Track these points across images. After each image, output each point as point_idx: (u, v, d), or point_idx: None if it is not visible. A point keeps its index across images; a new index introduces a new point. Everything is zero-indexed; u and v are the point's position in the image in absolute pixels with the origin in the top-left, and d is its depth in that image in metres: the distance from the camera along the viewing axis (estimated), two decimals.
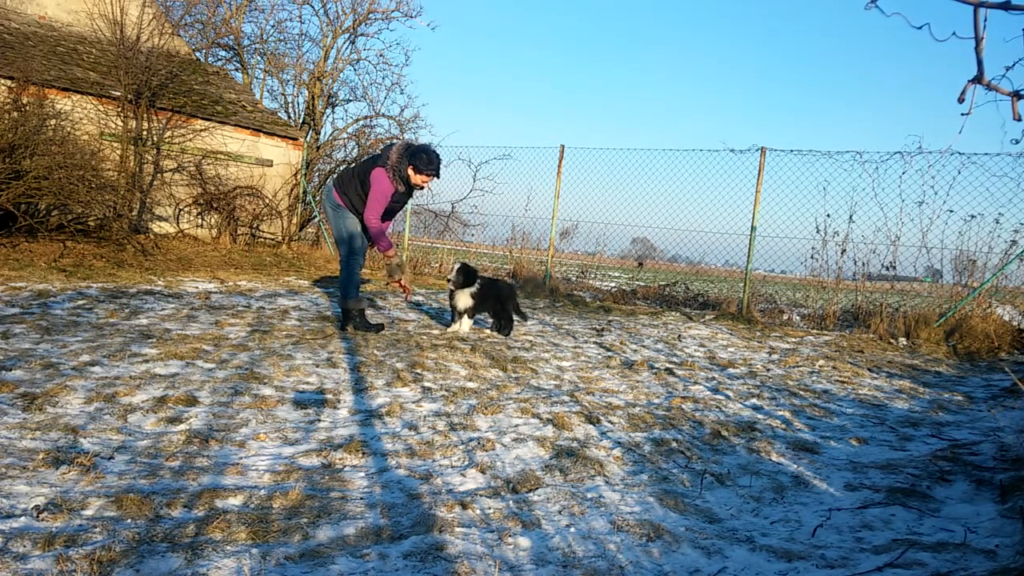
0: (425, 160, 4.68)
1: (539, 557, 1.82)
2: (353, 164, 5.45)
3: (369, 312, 5.97)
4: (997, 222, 6.70)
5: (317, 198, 12.64)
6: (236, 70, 15.24)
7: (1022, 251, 6.51)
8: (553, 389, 3.77)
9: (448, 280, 5.20)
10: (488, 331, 5.62)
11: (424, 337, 5.05)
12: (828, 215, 8.13)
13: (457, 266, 5.16)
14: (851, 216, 7.59)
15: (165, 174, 9.66)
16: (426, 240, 13.35)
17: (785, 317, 7.96)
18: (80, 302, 5.04)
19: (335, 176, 4.95)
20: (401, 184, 4.73)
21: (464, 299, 5.26)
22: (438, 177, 4.85)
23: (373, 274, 9.43)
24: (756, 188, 7.82)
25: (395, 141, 4.88)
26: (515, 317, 5.59)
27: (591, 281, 11.28)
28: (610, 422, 3.17)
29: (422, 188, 4.93)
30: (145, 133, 9.33)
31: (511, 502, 2.18)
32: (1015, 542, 1.89)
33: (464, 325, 5.35)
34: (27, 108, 7.29)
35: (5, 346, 3.54)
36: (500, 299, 5.44)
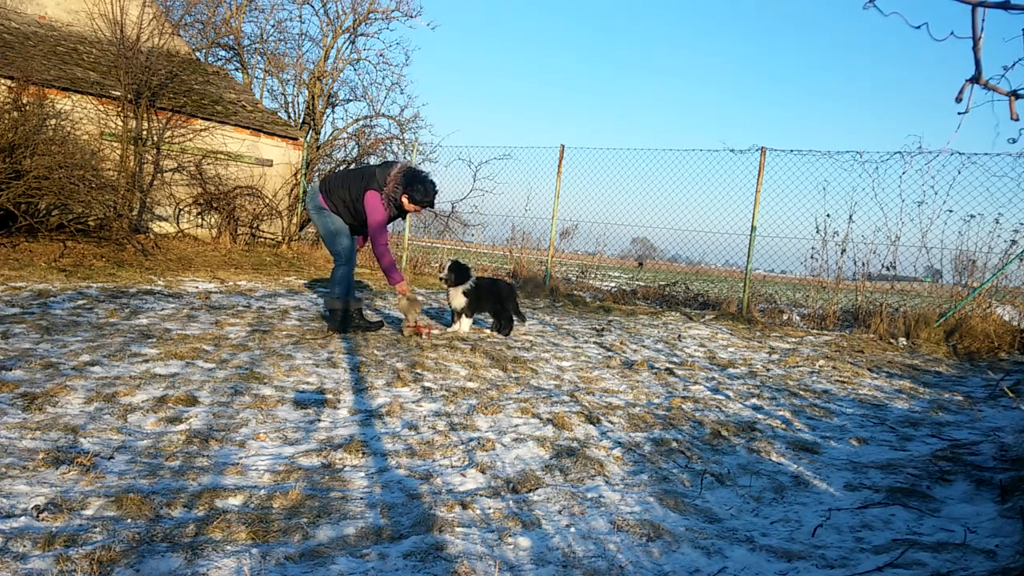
0: (421, 192, 4.66)
1: (539, 557, 1.82)
2: (341, 168, 5.45)
3: (368, 313, 5.98)
4: (997, 222, 6.71)
5: None
6: (236, 70, 15.24)
7: (1022, 251, 6.51)
8: (553, 389, 3.77)
9: (440, 279, 5.19)
10: (488, 331, 5.62)
11: (424, 337, 5.05)
12: (828, 215, 8.13)
13: (448, 263, 5.15)
14: (851, 216, 7.60)
15: (165, 174, 9.66)
16: (426, 240, 13.35)
17: (785, 317, 7.96)
18: (80, 302, 5.04)
19: (321, 179, 4.90)
20: (393, 209, 4.72)
21: (458, 297, 5.24)
22: (432, 208, 4.87)
23: (373, 274, 9.43)
24: (756, 188, 7.82)
25: (395, 161, 4.82)
26: (513, 318, 5.58)
27: (591, 281, 11.27)
28: (610, 422, 3.17)
29: (416, 213, 4.96)
30: (145, 133, 9.33)
31: (511, 502, 2.18)
32: (1015, 542, 1.89)
33: (464, 325, 5.35)
34: (27, 108, 7.29)
35: (5, 346, 3.54)
36: (500, 299, 5.44)
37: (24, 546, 1.66)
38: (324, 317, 5.20)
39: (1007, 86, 1.14)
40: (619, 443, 2.87)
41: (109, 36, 9.29)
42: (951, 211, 6.87)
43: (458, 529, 1.94)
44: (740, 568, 1.81)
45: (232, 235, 10.10)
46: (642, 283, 11.19)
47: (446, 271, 5.13)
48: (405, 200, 4.69)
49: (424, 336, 4.97)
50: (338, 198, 4.74)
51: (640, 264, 18.44)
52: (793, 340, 6.47)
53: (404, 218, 4.93)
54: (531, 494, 2.26)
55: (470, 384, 3.74)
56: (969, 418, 3.69)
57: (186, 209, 9.94)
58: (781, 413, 3.55)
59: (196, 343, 4.03)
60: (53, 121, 7.69)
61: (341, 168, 13.05)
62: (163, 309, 5.16)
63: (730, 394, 3.96)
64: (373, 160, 13.10)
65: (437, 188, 4.80)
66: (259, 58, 15.49)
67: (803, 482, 2.54)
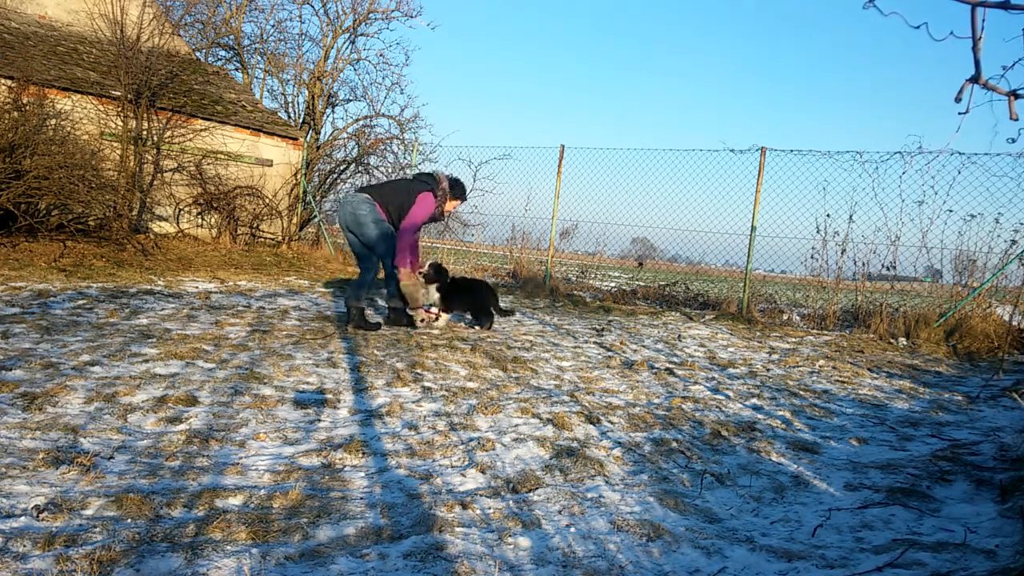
0: (459, 189, 5.41)
1: (539, 557, 1.82)
2: (390, 181, 5.94)
3: (368, 312, 5.98)
4: (997, 222, 6.70)
5: (317, 198, 12.65)
6: (236, 70, 15.24)
7: (1022, 251, 6.51)
8: (553, 389, 3.78)
9: (420, 274, 5.43)
10: (488, 331, 5.63)
11: (424, 337, 5.06)
12: (828, 215, 8.11)
13: (429, 261, 5.52)
14: (851, 216, 7.59)
15: (165, 174, 9.66)
16: (426, 240, 13.35)
17: (785, 317, 7.96)
18: (80, 302, 5.04)
19: (370, 191, 5.24)
20: (439, 209, 5.28)
21: (432, 293, 5.57)
22: (465, 201, 5.63)
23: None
24: (756, 188, 7.82)
25: (433, 172, 5.38)
26: (493, 313, 5.80)
27: (591, 281, 11.27)
28: (610, 422, 3.17)
29: (448, 214, 5.62)
30: (145, 133, 9.33)
31: (511, 502, 2.18)
32: (1015, 542, 1.89)
33: (440, 319, 5.60)
34: (27, 108, 7.29)
35: (5, 346, 3.54)
36: (473, 296, 5.75)
37: (24, 546, 1.66)
38: (387, 320, 5.48)
39: (1007, 86, 1.13)
40: (619, 443, 2.87)
41: (109, 36, 9.29)
42: (951, 211, 6.87)
43: (458, 529, 1.94)
44: (740, 568, 1.81)
45: (232, 235, 10.10)
46: (642, 283, 11.19)
47: (426, 267, 5.45)
48: (448, 200, 5.31)
49: (426, 320, 5.40)
50: (393, 205, 5.17)
51: (640, 264, 18.44)
52: (793, 340, 6.47)
53: (438, 220, 5.57)
54: (531, 494, 2.26)
55: (470, 384, 3.74)
56: (969, 418, 3.69)
57: (186, 209, 9.94)
58: (781, 413, 3.55)
59: (196, 343, 4.03)
60: (53, 121, 7.69)
61: (342, 168, 13.08)
62: (163, 309, 5.16)
63: (730, 394, 3.96)
64: (373, 160, 13.19)
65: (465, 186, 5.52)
66: (259, 58, 15.50)
67: (803, 482, 2.54)
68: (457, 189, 5.40)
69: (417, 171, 5.51)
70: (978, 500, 2.31)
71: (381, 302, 6.93)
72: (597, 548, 1.89)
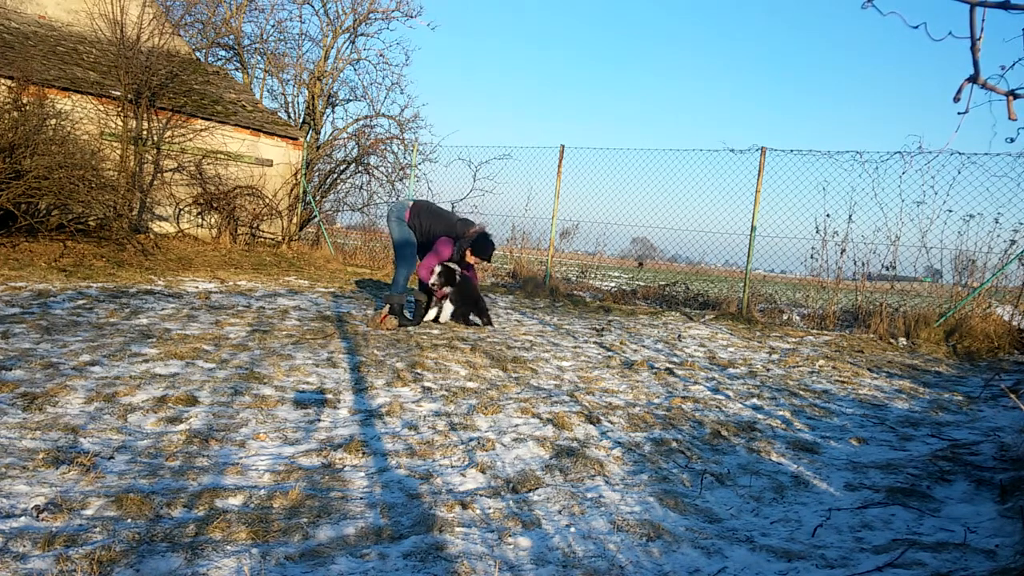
0: (482, 252, 5.69)
1: (539, 557, 1.82)
2: (432, 201, 6.30)
3: (365, 311, 5.97)
4: (997, 222, 6.70)
5: (317, 198, 12.66)
6: (236, 70, 15.23)
7: (1022, 251, 6.51)
8: (553, 389, 3.78)
9: (433, 285, 5.61)
10: (488, 331, 5.63)
11: (424, 337, 5.06)
12: (828, 215, 8.11)
13: (437, 270, 5.59)
14: (851, 216, 7.59)
15: (165, 174, 9.65)
16: None
17: (785, 317, 7.96)
18: (80, 302, 5.04)
19: (414, 202, 5.80)
20: (457, 255, 5.67)
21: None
22: (489, 262, 6.12)
23: (372, 273, 9.42)
24: (756, 188, 7.82)
25: (474, 222, 5.75)
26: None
27: (591, 281, 11.27)
28: (610, 422, 3.17)
29: (473, 263, 5.91)
30: (145, 133, 9.33)
31: (511, 502, 2.18)
32: (1015, 542, 1.89)
33: (445, 312, 5.81)
34: (27, 108, 7.29)
35: (5, 346, 3.54)
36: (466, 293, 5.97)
37: (24, 546, 1.66)
38: (392, 312, 5.59)
39: (1005, 86, 1.14)
40: (619, 443, 2.87)
41: (109, 36, 9.29)
42: (951, 211, 6.86)
43: (458, 529, 1.94)
44: (740, 568, 1.81)
45: (232, 235, 10.09)
46: (642, 283, 11.19)
47: (436, 277, 5.60)
48: (468, 252, 5.69)
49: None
50: (422, 221, 5.62)
51: (640, 264, 18.43)
52: (793, 340, 6.47)
53: (459, 263, 5.89)
54: (531, 494, 2.26)
55: (470, 384, 3.74)
56: (969, 418, 3.69)
57: (186, 209, 9.94)
58: (781, 413, 3.55)
59: (196, 343, 4.03)
60: (53, 121, 7.68)
61: (342, 168, 13.08)
62: (163, 309, 5.16)
63: (730, 394, 3.96)
64: (373, 160, 13.23)
65: (495, 248, 5.87)
66: (259, 58, 15.49)
67: (803, 482, 2.54)
68: (481, 249, 5.64)
69: (464, 216, 6.05)
70: (978, 500, 2.31)
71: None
72: (597, 548, 1.89)
